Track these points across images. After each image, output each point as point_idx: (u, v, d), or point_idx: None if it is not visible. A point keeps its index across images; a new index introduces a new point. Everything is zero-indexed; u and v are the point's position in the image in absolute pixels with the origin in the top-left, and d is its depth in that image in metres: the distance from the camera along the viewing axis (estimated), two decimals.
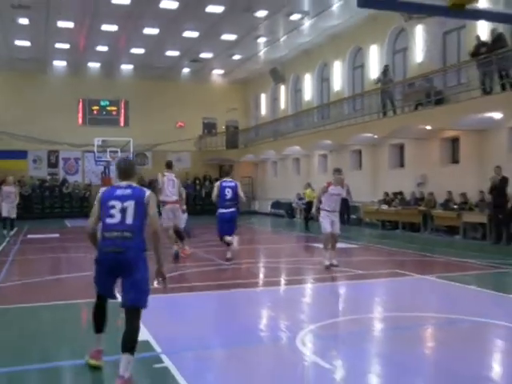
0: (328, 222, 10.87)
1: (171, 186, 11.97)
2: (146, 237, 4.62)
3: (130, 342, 4.41)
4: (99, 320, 4.94)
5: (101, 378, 4.80)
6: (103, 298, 4.88)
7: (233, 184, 11.55)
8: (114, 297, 4.84)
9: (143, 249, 4.60)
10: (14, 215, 18.10)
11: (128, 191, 4.64)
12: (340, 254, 13.52)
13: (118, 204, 4.59)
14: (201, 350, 5.45)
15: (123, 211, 4.56)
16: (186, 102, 33.46)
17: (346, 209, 22.41)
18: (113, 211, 4.57)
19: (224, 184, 11.43)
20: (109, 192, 4.69)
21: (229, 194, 11.31)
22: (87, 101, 32.87)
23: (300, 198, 24.92)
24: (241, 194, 11.50)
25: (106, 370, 4.91)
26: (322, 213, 10.99)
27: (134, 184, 4.78)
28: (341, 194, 11.46)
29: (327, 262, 10.69)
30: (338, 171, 11.96)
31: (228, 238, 11.53)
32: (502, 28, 16.04)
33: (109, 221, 4.57)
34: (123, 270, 4.53)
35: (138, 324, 4.55)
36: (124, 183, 4.74)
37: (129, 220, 4.54)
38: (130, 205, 4.57)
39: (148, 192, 4.69)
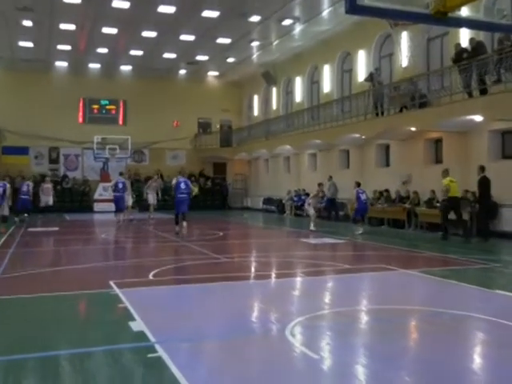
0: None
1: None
2: None
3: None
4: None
5: (97, 367, 4.73)
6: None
7: (185, 179, 17.30)
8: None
9: None
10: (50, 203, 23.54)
11: None
12: (328, 249, 13.54)
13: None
14: (194, 340, 5.40)
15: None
16: (182, 102, 33.35)
17: (334, 206, 22.47)
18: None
19: (180, 180, 16.81)
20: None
21: (183, 186, 16.53)
22: (87, 100, 32.68)
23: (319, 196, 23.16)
24: (191, 186, 17.10)
25: (101, 359, 4.84)
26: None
27: None
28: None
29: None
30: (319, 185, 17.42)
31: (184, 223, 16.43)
32: (482, 36, 16.07)
33: None
34: None
35: None
36: None
37: None
38: None
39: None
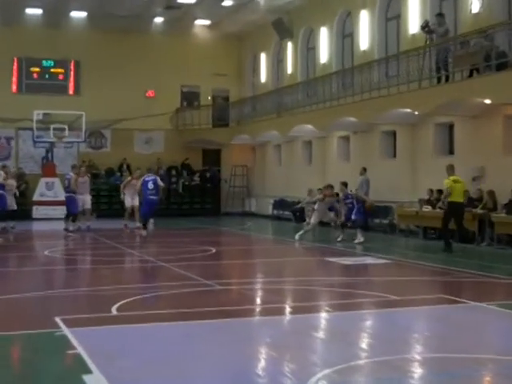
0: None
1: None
2: None
3: None
4: None
5: None
6: None
7: (154, 177, 20.62)
8: None
9: None
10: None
11: None
12: (365, 273, 13.50)
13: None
14: None
15: None
16: (158, 64, 33.41)
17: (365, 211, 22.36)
18: None
19: (147, 179, 20.09)
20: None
21: (151, 185, 19.80)
22: (24, 60, 32.83)
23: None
24: (160, 183, 20.80)
25: None
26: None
27: None
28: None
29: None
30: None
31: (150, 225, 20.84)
32: None
33: None
34: None
35: None
36: None
37: None
38: None
39: None
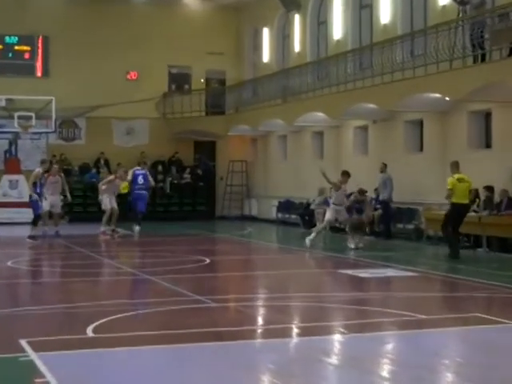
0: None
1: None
2: None
3: None
4: None
5: None
6: None
7: (144, 171, 23.29)
8: None
9: None
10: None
11: None
12: (387, 287, 13.50)
13: None
14: None
15: None
16: (141, 40, 33.39)
17: (388, 215, 22.41)
18: None
19: (137, 172, 22.61)
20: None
21: (141, 180, 22.26)
22: None
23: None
24: (150, 179, 23.56)
25: None
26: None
27: None
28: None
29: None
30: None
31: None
32: None
33: None
34: None
35: None
36: None
37: None
38: None
39: None
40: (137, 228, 23.23)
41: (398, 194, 22.32)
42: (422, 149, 23.62)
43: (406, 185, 22.26)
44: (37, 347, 8.01)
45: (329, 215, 19.73)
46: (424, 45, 22.16)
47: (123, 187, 24.79)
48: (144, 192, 23.09)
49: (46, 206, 22.42)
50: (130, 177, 23.21)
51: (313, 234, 19.60)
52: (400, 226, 22.69)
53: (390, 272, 15.21)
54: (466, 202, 17.04)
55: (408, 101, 22.01)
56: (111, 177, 24.42)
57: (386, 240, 21.83)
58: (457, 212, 16.91)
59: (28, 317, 10.64)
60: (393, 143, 24.45)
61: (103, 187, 23.61)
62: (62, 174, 24.63)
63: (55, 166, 24.20)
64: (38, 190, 21.88)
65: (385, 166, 22.56)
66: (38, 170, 22.21)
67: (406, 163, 23.16)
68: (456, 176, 16.64)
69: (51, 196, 22.36)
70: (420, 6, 24.42)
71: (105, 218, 23.43)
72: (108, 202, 23.37)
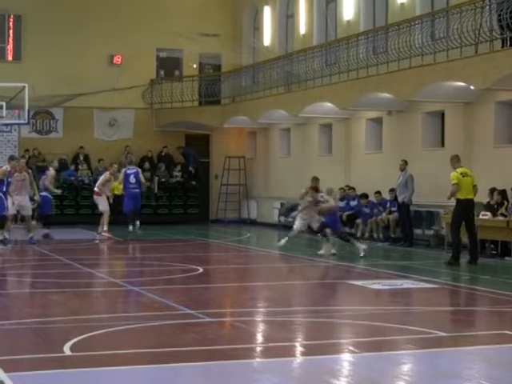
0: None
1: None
2: None
3: None
4: None
5: None
6: None
7: (135, 170, 25.36)
8: None
9: None
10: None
11: None
12: (402, 301, 13.51)
13: None
14: None
15: None
16: (126, 20, 33.49)
17: (407, 219, 22.43)
18: None
19: (128, 172, 24.55)
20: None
21: (133, 179, 24.21)
22: None
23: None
24: (142, 178, 25.63)
25: None
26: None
27: None
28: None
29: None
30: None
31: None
32: None
33: None
34: None
35: None
36: None
37: None
38: None
39: None
40: (137, 223, 25.23)
41: (415, 195, 22.34)
42: (443, 144, 23.67)
43: (424, 185, 22.30)
44: (8, 367, 7.99)
45: (297, 224, 21.36)
46: (446, 27, 22.19)
47: (116, 188, 26.12)
48: (137, 191, 25.22)
49: (11, 207, 22.03)
50: (121, 177, 25.27)
51: (286, 238, 21.39)
52: (418, 231, 22.70)
53: (406, 283, 15.22)
54: (472, 197, 17.51)
55: (428, 90, 22.05)
56: (107, 175, 24.75)
57: (404, 247, 21.85)
58: (465, 209, 17.32)
59: None
60: (410, 138, 24.48)
61: (101, 188, 24.41)
62: (30, 171, 24.50)
63: (22, 160, 24.25)
64: (4, 189, 21.19)
65: (405, 163, 22.53)
66: (6, 167, 21.87)
67: (425, 160, 23.18)
68: (459, 170, 17.20)
69: (18, 196, 22.13)
70: None
71: (105, 220, 24.38)
72: (106, 203, 24.51)
